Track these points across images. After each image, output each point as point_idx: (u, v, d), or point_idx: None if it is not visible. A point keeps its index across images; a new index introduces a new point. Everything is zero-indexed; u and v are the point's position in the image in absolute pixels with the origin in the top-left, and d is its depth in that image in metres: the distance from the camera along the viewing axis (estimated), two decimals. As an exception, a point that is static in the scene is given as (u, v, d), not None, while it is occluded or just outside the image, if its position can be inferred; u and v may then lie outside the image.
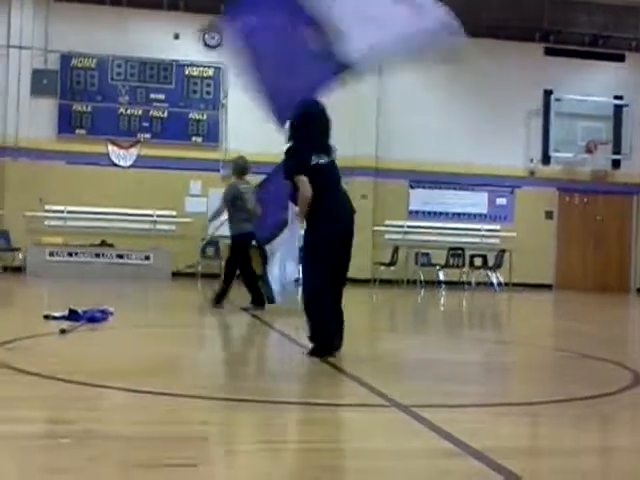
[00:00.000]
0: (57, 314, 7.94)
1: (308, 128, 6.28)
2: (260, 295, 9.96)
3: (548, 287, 20.10)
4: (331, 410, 4.41)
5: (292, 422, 4.19)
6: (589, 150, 20.30)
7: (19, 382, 4.87)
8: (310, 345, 6.10)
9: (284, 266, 7.02)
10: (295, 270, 7.05)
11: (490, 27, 20.19)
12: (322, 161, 6.28)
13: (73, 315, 7.84)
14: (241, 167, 10.37)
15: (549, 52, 20.44)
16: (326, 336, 6.08)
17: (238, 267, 10.35)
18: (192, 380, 5.30)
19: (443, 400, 4.73)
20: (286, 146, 6.41)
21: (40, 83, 18.19)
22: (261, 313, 9.69)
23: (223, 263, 18.02)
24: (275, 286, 7.46)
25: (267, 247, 8.52)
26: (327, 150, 6.35)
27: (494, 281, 18.65)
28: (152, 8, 18.89)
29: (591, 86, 20.26)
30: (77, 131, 18.35)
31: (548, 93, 20.19)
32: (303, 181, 6.13)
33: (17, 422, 3.84)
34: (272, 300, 8.86)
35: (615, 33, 20.69)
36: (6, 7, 18.10)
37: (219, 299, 10.37)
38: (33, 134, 18.02)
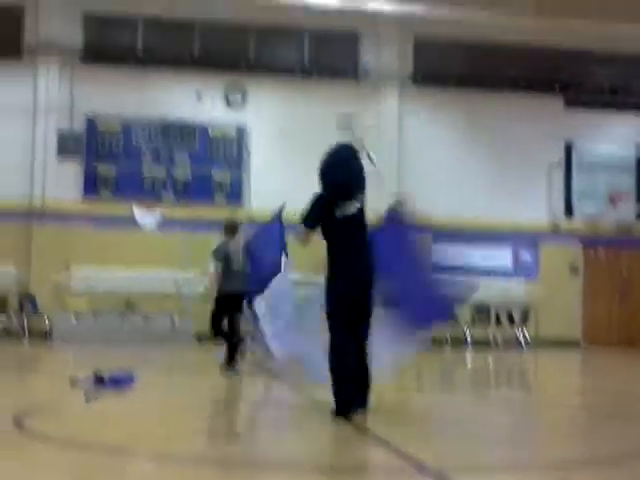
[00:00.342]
0: (82, 379, 7.93)
1: (337, 174, 6.18)
2: (232, 355, 10.19)
3: (575, 343, 19.82)
4: (361, 477, 4.34)
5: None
6: (613, 202, 20.20)
7: (43, 449, 4.84)
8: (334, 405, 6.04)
9: (271, 321, 7.09)
10: (284, 325, 7.13)
11: (510, 80, 20.33)
12: (348, 212, 6.20)
13: (98, 380, 7.82)
14: (231, 226, 10.64)
15: (569, 104, 20.47)
16: (349, 396, 6.01)
17: (212, 320, 10.42)
18: (217, 446, 5.25)
19: (473, 462, 4.65)
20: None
21: (66, 145, 18.44)
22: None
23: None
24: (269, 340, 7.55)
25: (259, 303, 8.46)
26: (356, 197, 6.24)
27: (521, 338, 18.41)
28: (175, 70, 19.19)
29: (612, 137, 20.25)
30: (102, 192, 18.53)
31: (569, 145, 20.18)
32: (308, 237, 6.13)
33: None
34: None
35: (634, 83, 20.74)
36: (33, 71, 18.46)
37: (230, 361, 10.28)
38: (59, 196, 18.22)
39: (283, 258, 7.28)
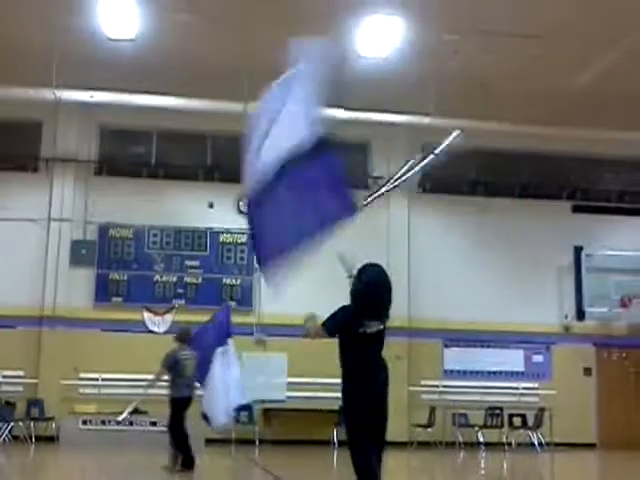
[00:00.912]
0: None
1: (370, 294, 6.21)
2: (190, 457, 10.72)
3: (591, 446, 19.45)
4: None
5: None
6: (624, 304, 20.15)
7: None
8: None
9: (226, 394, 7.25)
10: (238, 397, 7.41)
11: (519, 186, 20.65)
12: (370, 330, 6.30)
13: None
14: (184, 335, 11.41)
15: (577, 209, 20.72)
16: None
17: (171, 427, 11.00)
18: None
19: None
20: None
21: (79, 253, 18.69)
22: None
23: (257, 428, 18.02)
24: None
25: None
26: (380, 317, 6.31)
27: (535, 441, 18.10)
28: (188, 179, 19.61)
29: (621, 240, 20.36)
30: (113, 299, 18.65)
31: (578, 249, 20.28)
32: (319, 336, 6.17)
33: None
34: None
35: (641, 188, 21.04)
36: (48, 182, 18.88)
37: (189, 464, 10.75)
38: (70, 303, 18.34)
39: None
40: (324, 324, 6.25)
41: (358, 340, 6.23)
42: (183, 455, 10.73)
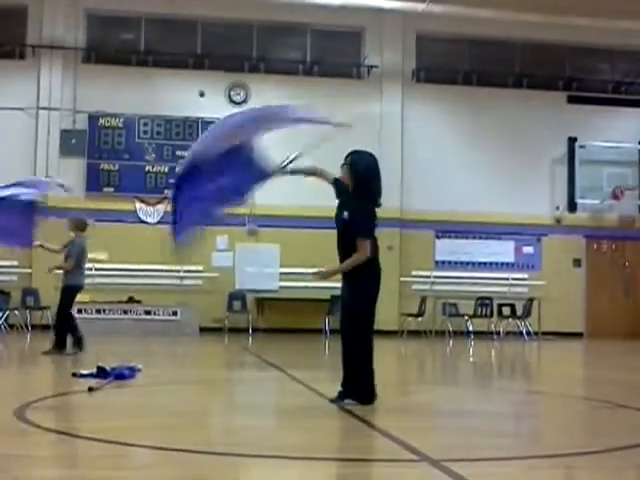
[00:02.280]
0: (85, 372, 7.96)
1: (373, 182, 6.39)
2: (81, 337, 11.02)
3: (578, 335, 19.85)
4: (362, 465, 4.35)
5: (324, 478, 4.13)
6: (615, 196, 20.19)
7: (47, 440, 4.86)
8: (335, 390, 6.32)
9: None
10: None
11: (513, 76, 20.36)
12: (377, 221, 6.39)
13: (101, 373, 7.84)
14: (83, 223, 11.50)
15: (572, 100, 20.47)
16: (373, 386, 6.35)
17: (61, 313, 11.15)
18: (220, 437, 5.27)
19: (474, 453, 4.66)
20: (338, 199, 6.50)
21: (68, 143, 18.49)
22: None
23: (250, 317, 18.29)
24: None
25: None
26: (379, 205, 6.49)
27: (523, 330, 18.44)
28: (178, 67, 19.24)
29: (615, 132, 20.23)
30: (105, 189, 18.58)
31: (572, 140, 20.17)
32: (366, 246, 6.24)
33: (46, 482, 3.83)
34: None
35: (638, 79, 20.74)
36: (36, 70, 18.50)
37: (79, 344, 11.04)
38: (62, 193, 18.23)
39: None
40: (364, 235, 6.28)
41: (372, 234, 6.28)
42: (57, 338, 11.01)
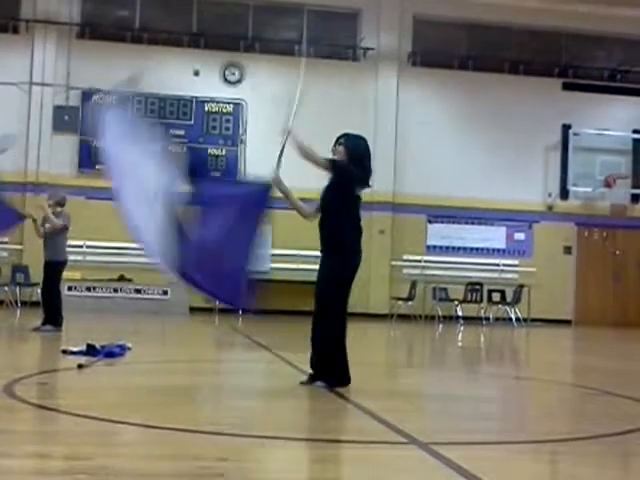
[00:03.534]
0: (75, 349, 7.96)
1: (366, 162, 6.42)
2: (56, 316, 10.91)
3: (567, 322, 19.94)
4: (350, 447, 4.38)
5: (311, 459, 4.15)
6: (608, 184, 20.23)
7: (36, 417, 4.87)
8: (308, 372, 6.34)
9: None
10: None
11: (509, 62, 20.33)
12: (360, 196, 6.42)
13: (91, 350, 7.85)
14: (63, 199, 11.55)
15: (567, 87, 20.46)
16: (347, 367, 6.28)
17: (49, 289, 11.19)
18: (208, 416, 5.28)
19: (461, 437, 4.69)
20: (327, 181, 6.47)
21: (61, 119, 18.40)
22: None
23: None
24: None
25: None
26: (367, 186, 6.50)
27: (512, 317, 18.51)
28: (172, 45, 19.13)
29: (610, 120, 20.24)
30: (97, 167, 18.48)
31: (566, 128, 20.17)
32: (334, 166, 6.22)
33: (33, 457, 3.84)
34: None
35: (634, 68, 20.73)
36: (29, 45, 18.38)
37: (60, 322, 10.98)
38: (54, 170, 18.18)
39: None
40: (345, 170, 6.27)
41: (356, 204, 6.28)
42: (47, 314, 11.01)
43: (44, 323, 10.92)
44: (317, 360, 6.32)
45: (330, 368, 6.26)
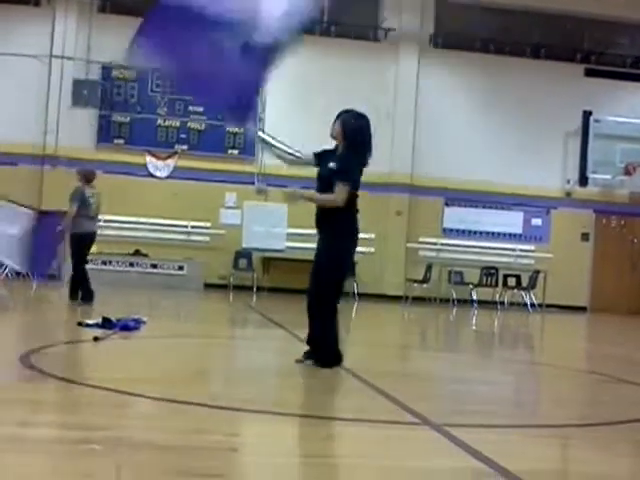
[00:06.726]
0: (91, 322, 8.01)
1: (363, 138, 6.31)
2: (91, 291, 11.05)
3: (582, 309, 19.88)
4: (363, 426, 4.39)
5: (323, 437, 4.17)
6: (627, 172, 20.09)
7: (52, 388, 4.91)
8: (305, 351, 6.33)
9: None
10: None
11: (531, 47, 20.17)
12: (360, 178, 6.32)
13: (107, 323, 7.90)
14: (90, 175, 11.58)
15: (589, 73, 20.29)
16: (338, 347, 6.28)
17: (74, 264, 11.28)
18: (222, 391, 5.31)
19: (474, 419, 4.69)
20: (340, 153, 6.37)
21: (80, 93, 18.41)
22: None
23: (255, 275, 18.36)
24: None
25: None
26: (366, 164, 6.41)
27: (527, 302, 18.47)
28: (193, 22, 19.06)
29: (631, 108, 20.05)
30: (115, 141, 18.54)
31: (587, 114, 20.01)
32: (343, 192, 6.14)
33: (49, 427, 3.88)
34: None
35: (657, 55, 20.53)
36: (50, 18, 18.39)
37: (90, 297, 11.05)
38: (72, 143, 18.23)
39: None
40: (347, 180, 6.16)
41: (355, 194, 6.22)
42: (84, 290, 11.07)
43: (82, 299, 11.01)
44: (312, 337, 6.35)
45: (322, 348, 6.26)
